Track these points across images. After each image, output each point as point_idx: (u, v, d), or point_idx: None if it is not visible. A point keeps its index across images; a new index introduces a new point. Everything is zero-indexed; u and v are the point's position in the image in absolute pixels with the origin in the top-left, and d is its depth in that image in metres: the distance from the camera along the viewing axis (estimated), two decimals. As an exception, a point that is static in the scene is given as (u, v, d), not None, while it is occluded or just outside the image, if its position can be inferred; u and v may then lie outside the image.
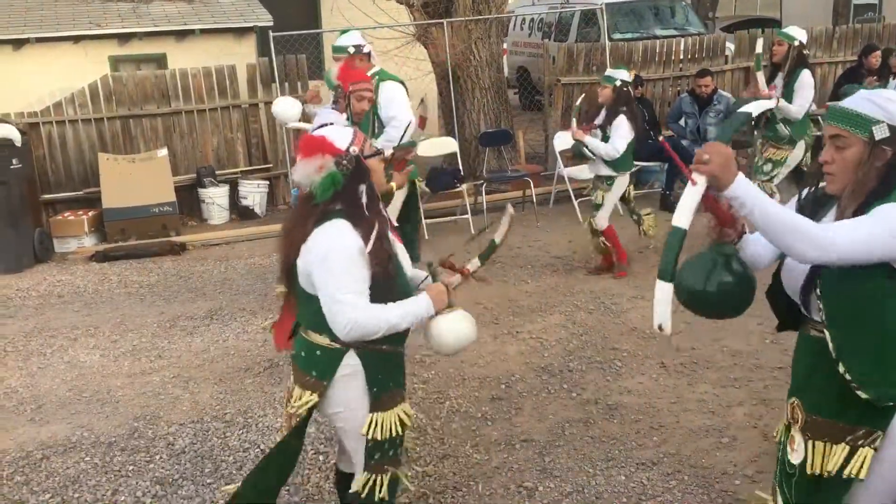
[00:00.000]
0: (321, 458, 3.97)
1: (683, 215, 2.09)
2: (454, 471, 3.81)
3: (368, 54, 5.48)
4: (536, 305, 5.80)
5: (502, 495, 3.60)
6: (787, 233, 2.02)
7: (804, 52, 6.20)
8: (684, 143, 8.28)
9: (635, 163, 8.29)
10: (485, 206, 8.11)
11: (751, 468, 3.68)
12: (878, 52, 8.91)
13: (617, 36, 11.77)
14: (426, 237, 7.54)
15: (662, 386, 4.52)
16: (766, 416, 4.09)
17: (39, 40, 10.08)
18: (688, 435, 4.01)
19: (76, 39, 10.32)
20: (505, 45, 13.45)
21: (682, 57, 10.06)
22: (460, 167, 8.43)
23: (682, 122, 8.57)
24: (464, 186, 7.96)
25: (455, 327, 2.68)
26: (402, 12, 9.57)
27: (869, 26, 11.33)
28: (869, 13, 15.91)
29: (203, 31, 10.69)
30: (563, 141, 8.54)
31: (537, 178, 8.77)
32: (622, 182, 6.12)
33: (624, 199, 6.29)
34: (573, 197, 8.11)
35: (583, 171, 8.41)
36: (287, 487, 3.68)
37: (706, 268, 2.22)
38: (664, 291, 2.12)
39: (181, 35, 10.66)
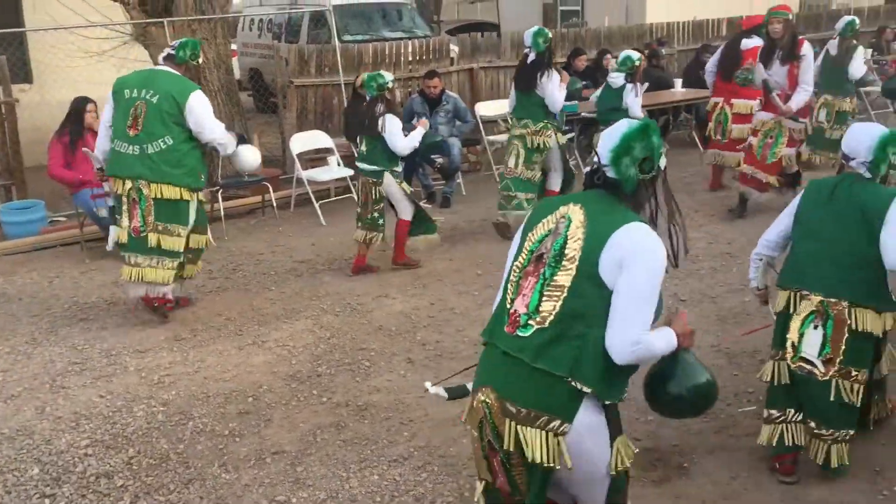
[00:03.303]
0: (47, 501, 3.58)
1: None
2: (201, 495, 3.61)
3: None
4: (281, 312, 5.68)
5: (255, 513, 3.47)
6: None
7: None
8: (418, 142, 8.53)
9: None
10: (222, 214, 7.80)
11: (495, 450, 3.85)
12: (584, 56, 9.79)
13: (347, 38, 11.86)
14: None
15: (410, 381, 4.61)
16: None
17: None
18: (436, 426, 4.11)
19: None
20: (234, 47, 13.04)
21: (410, 59, 10.35)
22: (193, 174, 8.02)
23: (414, 121, 8.80)
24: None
25: None
26: (117, 10, 8.92)
27: (574, 31, 12.40)
28: (574, 18, 17.42)
29: None
30: (300, 143, 8.46)
31: (276, 182, 8.59)
32: (388, 179, 6.18)
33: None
34: (314, 199, 8.05)
35: (322, 174, 8.40)
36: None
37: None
38: None
39: None
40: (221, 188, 7.96)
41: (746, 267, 3.67)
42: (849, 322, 3.32)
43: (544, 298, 2.36)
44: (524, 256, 2.47)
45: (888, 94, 7.31)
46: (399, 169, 6.34)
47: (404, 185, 6.33)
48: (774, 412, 3.54)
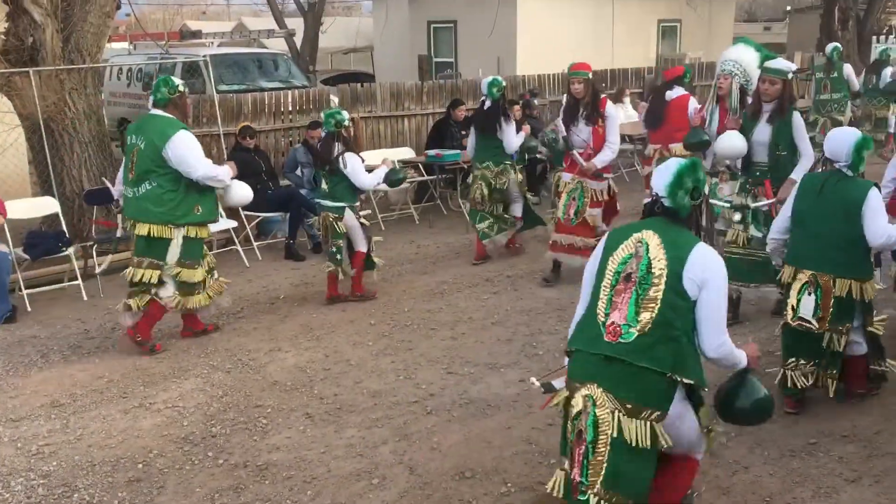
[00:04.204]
0: None
1: None
2: (94, 573, 3.38)
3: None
4: (169, 371, 5.44)
5: (154, 588, 3.28)
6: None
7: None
8: (303, 192, 8.47)
9: (257, 213, 8.38)
10: (97, 270, 7.44)
11: (402, 504, 3.82)
12: (464, 106, 10.02)
13: (223, 87, 11.68)
14: (28, 309, 6.70)
15: (310, 437, 4.51)
16: (410, 451, 4.29)
17: None
18: (340, 482, 4.03)
19: None
20: (102, 96, 12.58)
21: (290, 108, 10.29)
22: (64, 229, 7.63)
23: (298, 171, 8.76)
24: (71, 250, 7.21)
25: None
26: (-23, 59, 8.45)
27: (450, 82, 12.69)
28: (448, 70, 17.79)
29: None
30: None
31: (154, 236, 8.27)
32: (349, 215, 6.54)
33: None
34: (195, 253, 7.80)
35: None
36: None
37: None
38: None
39: None
40: (96, 243, 7.60)
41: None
42: (833, 290, 4.29)
43: (641, 310, 2.88)
44: (610, 277, 2.98)
45: (691, 147, 6.65)
46: (358, 204, 6.70)
47: (363, 219, 6.67)
48: (789, 360, 4.48)
